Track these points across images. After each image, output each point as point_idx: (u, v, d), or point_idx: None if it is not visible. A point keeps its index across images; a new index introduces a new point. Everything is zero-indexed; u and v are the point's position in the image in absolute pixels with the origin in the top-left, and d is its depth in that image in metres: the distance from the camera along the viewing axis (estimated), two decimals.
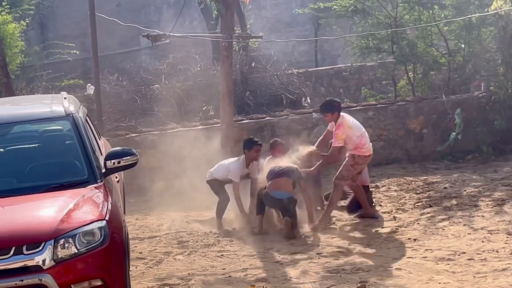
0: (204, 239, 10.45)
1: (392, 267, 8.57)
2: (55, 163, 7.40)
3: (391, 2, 16.48)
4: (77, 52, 19.33)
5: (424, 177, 13.17)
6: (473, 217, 10.41)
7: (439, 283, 7.84)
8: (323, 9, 20.29)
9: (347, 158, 10.64)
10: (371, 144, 10.91)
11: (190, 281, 8.61)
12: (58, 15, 20.61)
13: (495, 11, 13.75)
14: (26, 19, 20.66)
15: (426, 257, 8.85)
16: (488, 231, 9.69)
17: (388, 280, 8.09)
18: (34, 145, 7.76)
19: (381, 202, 11.70)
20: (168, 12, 20.27)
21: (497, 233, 9.56)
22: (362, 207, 10.84)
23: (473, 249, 8.95)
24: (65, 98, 8.27)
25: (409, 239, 9.63)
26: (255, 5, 18.81)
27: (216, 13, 16.70)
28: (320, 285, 8.13)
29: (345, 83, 18.90)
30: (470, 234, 9.65)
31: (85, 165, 7.24)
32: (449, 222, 10.23)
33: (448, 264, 8.51)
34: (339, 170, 10.67)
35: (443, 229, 9.94)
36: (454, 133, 14.44)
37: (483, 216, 10.38)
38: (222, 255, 9.64)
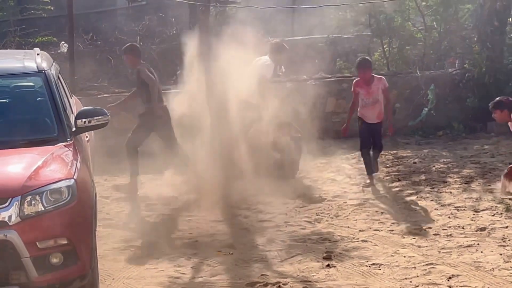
0: (172, 202, 10.45)
1: (358, 238, 8.63)
2: (25, 120, 7.33)
3: None
4: (52, 9, 19.07)
5: (394, 151, 13.23)
6: (441, 193, 10.50)
7: (404, 257, 7.91)
8: None
9: None
10: None
11: (157, 244, 8.62)
12: None
13: None
14: None
15: (392, 230, 8.93)
16: (455, 207, 9.78)
17: (354, 252, 8.15)
18: (4, 100, 7.68)
19: (351, 174, 11.73)
20: None
21: (464, 209, 9.65)
22: None
23: (440, 225, 9.04)
24: (38, 54, 8.19)
25: (376, 212, 9.69)
26: None
27: None
28: (286, 253, 8.18)
29: (321, 53, 18.87)
30: (437, 209, 9.74)
31: (55, 123, 7.18)
32: (417, 197, 10.32)
33: (414, 238, 8.58)
34: None
35: (411, 204, 10.00)
36: (426, 109, 14.51)
37: (450, 193, 10.46)
38: (190, 219, 9.66)
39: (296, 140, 11.61)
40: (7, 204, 6.03)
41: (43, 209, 6.14)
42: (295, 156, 11.58)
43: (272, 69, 11.76)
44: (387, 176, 11.56)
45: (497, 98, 10.50)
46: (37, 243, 6.07)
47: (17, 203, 6.06)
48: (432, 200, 10.14)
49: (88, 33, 18.29)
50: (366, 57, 11.93)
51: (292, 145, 11.55)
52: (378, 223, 9.24)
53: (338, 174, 11.83)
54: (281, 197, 10.45)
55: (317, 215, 9.63)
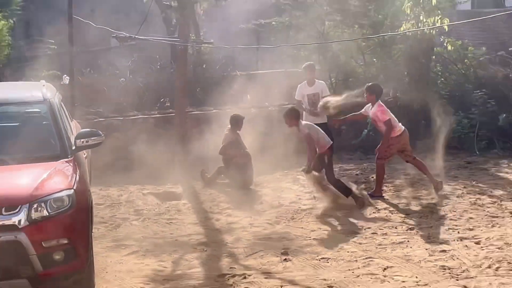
0: (156, 208, 10.42)
1: (310, 237, 8.67)
2: (33, 139, 7.26)
3: (320, 20, 16.54)
4: (55, 47, 19.01)
5: (340, 165, 13.26)
6: (373, 197, 10.48)
7: (348, 252, 7.97)
8: (263, 25, 20.28)
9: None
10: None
11: (143, 242, 8.61)
12: (40, 16, 20.29)
13: (403, 32, 13.92)
14: (14, 18, 20.28)
15: (338, 230, 9.00)
16: (389, 211, 9.86)
17: (306, 248, 8.20)
18: (16, 123, 7.63)
19: (305, 184, 11.72)
20: (135, 18, 20.08)
21: (397, 212, 9.74)
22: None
23: (377, 225, 9.09)
24: (43, 85, 8.17)
25: (325, 215, 9.72)
26: (208, 17, 18.74)
27: (175, 21, 16.57)
28: (251, 250, 8.20)
29: (280, 84, 18.98)
30: (374, 213, 9.79)
31: (58, 143, 7.16)
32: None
33: (356, 236, 8.64)
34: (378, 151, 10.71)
35: (353, 208, 10.03)
36: (366, 130, 14.57)
37: (386, 199, 10.53)
38: (171, 222, 9.64)
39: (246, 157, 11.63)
40: (17, 210, 6.01)
41: (47, 214, 6.12)
42: (247, 171, 11.57)
43: (301, 89, 12.32)
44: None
45: (373, 83, 11.12)
46: (42, 243, 6.04)
47: (26, 210, 6.04)
48: (370, 202, 10.17)
49: (87, 67, 18.23)
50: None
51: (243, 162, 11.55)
52: (327, 224, 9.27)
53: (294, 184, 11.84)
54: (247, 204, 10.46)
55: (276, 218, 9.63)
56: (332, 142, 10.42)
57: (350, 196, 10.10)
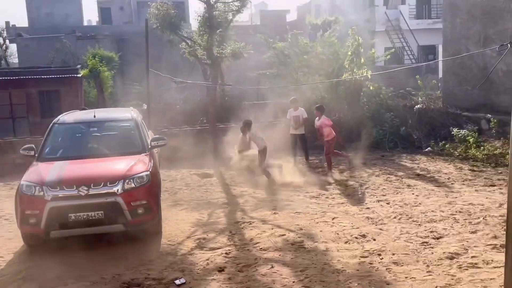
0: (198, 182, 10.38)
1: (289, 199, 8.62)
2: (126, 142, 7.31)
3: (295, 71, 16.48)
4: (139, 87, 19.06)
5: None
6: (328, 176, 10.36)
7: (311, 208, 7.96)
8: (261, 74, 20.21)
9: (326, 143, 10.67)
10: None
11: (190, 203, 8.59)
12: (129, 68, 20.29)
13: (344, 78, 13.89)
14: (114, 70, 20.32)
15: (306, 195, 8.93)
16: (336, 184, 9.74)
17: (287, 206, 8.18)
18: (115, 132, 7.66)
19: (282, 166, 11.57)
20: (185, 70, 20.14)
21: (340, 185, 9.63)
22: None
23: (328, 193, 9.05)
24: (131, 110, 8.22)
25: (295, 187, 9.61)
26: (228, 69, 18.66)
27: (209, 72, 16.57)
28: (254, 207, 8.19)
29: (272, 109, 18.96)
30: (328, 185, 9.67)
31: (140, 143, 7.19)
32: (318, 179, 10.23)
33: (316, 199, 8.61)
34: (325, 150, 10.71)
35: (314, 182, 9.91)
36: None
37: (333, 177, 10.34)
38: (207, 190, 9.60)
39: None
40: (116, 183, 6.05)
41: (134, 186, 6.14)
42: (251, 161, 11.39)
43: (290, 113, 11.60)
44: (304, 167, 11.52)
45: (319, 105, 11.11)
46: (131, 203, 6.07)
47: (121, 183, 6.06)
48: (325, 180, 10.10)
49: (157, 99, 18.23)
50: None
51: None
52: (299, 191, 9.19)
53: (279, 168, 11.71)
54: (252, 180, 10.42)
55: (270, 188, 9.55)
56: (265, 145, 10.23)
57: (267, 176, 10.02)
